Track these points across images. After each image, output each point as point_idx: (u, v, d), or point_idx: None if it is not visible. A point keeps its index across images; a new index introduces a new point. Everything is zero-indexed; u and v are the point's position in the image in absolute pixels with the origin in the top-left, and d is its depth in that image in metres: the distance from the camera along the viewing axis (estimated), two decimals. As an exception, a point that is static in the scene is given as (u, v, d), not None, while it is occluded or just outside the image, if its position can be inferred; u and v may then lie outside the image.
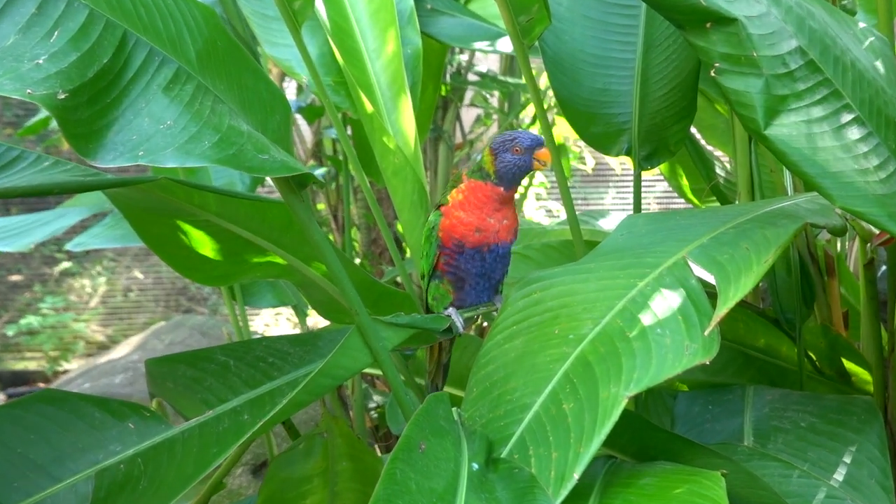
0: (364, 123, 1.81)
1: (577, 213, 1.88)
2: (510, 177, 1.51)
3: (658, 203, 5.83)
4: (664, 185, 5.66)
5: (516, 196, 4.34)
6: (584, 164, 5.41)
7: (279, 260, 1.79)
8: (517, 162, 1.49)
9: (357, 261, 3.87)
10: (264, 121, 1.36)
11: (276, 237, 1.73)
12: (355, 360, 1.44)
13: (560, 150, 4.15)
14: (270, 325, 6.02)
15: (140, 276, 6.22)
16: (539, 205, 5.62)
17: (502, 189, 1.51)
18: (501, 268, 1.59)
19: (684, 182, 2.60)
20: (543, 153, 1.49)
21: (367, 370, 2.42)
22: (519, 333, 1.29)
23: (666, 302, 1.20)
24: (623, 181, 5.89)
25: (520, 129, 1.51)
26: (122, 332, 5.97)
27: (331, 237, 3.89)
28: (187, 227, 1.71)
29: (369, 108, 1.78)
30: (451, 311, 1.58)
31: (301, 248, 1.76)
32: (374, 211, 1.97)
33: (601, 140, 1.91)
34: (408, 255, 3.81)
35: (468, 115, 4.40)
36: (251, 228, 1.70)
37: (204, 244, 1.75)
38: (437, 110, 3.61)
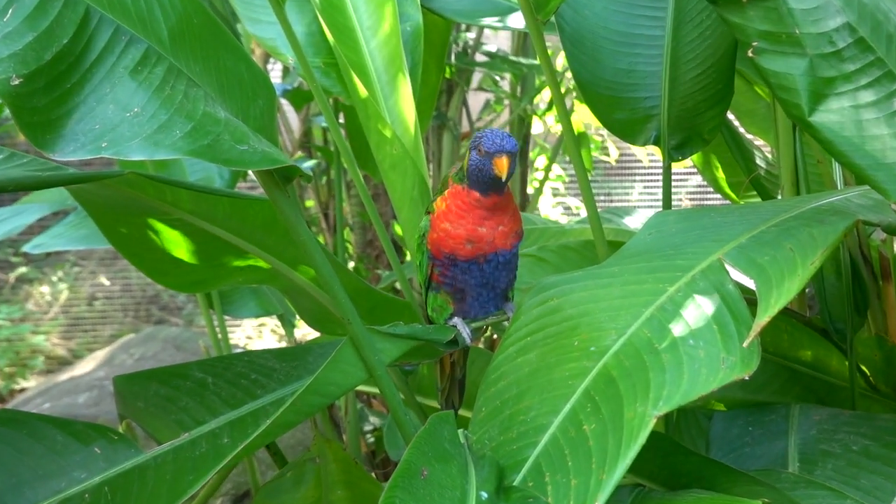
0: (358, 110, 1.82)
1: (598, 210, 1.88)
2: (474, 178, 1.48)
3: (691, 198, 5.83)
4: (697, 179, 5.66)
5: (530, 191, 4.33)
6: (607, 154, 5.41)
7: (262, 264, 1.80)
8: (478, 164, 1.47)
9: (350, 265, 3.88)
10: (245, 107, 1.36)
11: (258, 238, 1.74)
12: (348, 375, 1.44)
13: (580, 140, 4.15)
14: (253, 338, 6.03)
15: (106, 282, 6.24)
16: (556, 201, 5.63)
17: (478, 194, 1.49)
18: (506, 275, 1.58)
19: (720, 175, 2.60)
20: (498, 162, 1.44)
21: (363, 387, 2.42)
22: (533, 346, 1.29)
23: (700, 309, 1.20)
24: (651, 174, 5.89)
25: (494, 129, 1.49)
26: (87, 346, 5.99)
27: (321, 238, 3.89)
28: (160, 227, 1.71)
29: (363, 92, 1.78)
30: (456, 320, 1.58)
31: (287, 250, 1.76)
32: (368, 209, 1.97)
33: (626, 128, 1.91)
34: (407, 258, 3.82)
35: (476, 100, 4.41)
36: (231, 228, 1.71)
37: (178, 246, 1.75)
38: (440, 95, 3.62)
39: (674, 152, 1.88)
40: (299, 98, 3.42)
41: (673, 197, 1.91)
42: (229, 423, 1.59)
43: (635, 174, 6.00)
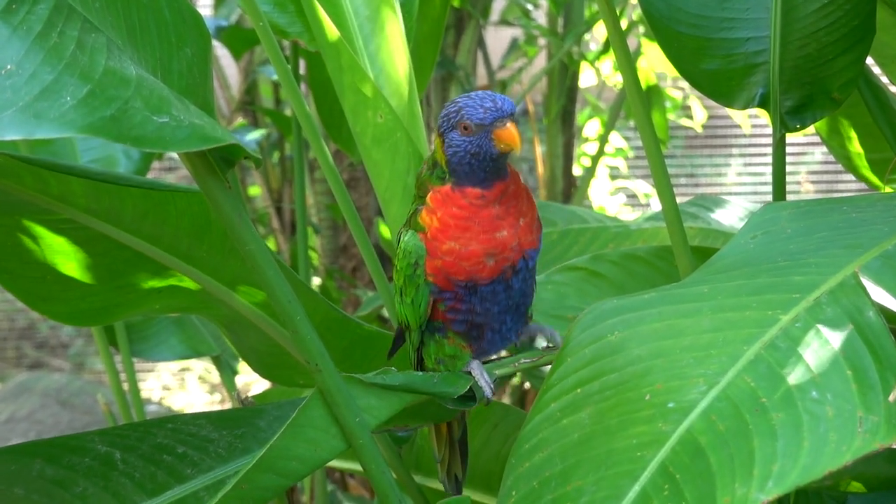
0: (326, 59, 1.83)
1: (678, 200, 1.89)
2: (466, 169, 1.51)
3: (813, 183, 5.84)
4: (822, 153, 5.67)
5: (577, 171, 4.33)
6: (691, 118, 5.42)
7: (190, 284, 1.81)
8: (468, 148, 1.50)
9: (316, 282, 3.89)
10: (167, 59, 1.38)
11: (184, 248, 1.75)
12: (316, 445, 1.46)
13: (650, 98, 4.16)
14: (172, 389, 6.05)
15: (-42, 310, 6.26)
16: (616, 186, 5.63)
17: (478, 189, 1.51)
18: (531, 285, 1.62)
19: (856, 149, 2.61)
20: (505, 133, 1.47)
21: (336, 462, 2.44)
22: (586, 401, 1.30)
23: (827, 348, 1.21)
24: (755, 147, 5.90)
25: (471, 93, 1.52)
26: (-70, 404, 6.01)
27: (271, 244, 3.91)
28: (40, 232, 1.73)
29: (333, 32, 1.79)
30: (472, 365, 1.59)
31: (225, 264, 1.77)
32: (341, 201, 1.99)
33: (719, 82, 1.92)
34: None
35: (497, 39, 4.42)
36: (144, 234, 1.72)
37: (67, 258, 1.76)
38: (446, 32, 3.63)
39: (789, 118, 1.89)
40: (239, 40, 3.43)
41: (788, 180, 1.91)
42: (146, 516, 1.60)
43: (731, 147, 6.01)
